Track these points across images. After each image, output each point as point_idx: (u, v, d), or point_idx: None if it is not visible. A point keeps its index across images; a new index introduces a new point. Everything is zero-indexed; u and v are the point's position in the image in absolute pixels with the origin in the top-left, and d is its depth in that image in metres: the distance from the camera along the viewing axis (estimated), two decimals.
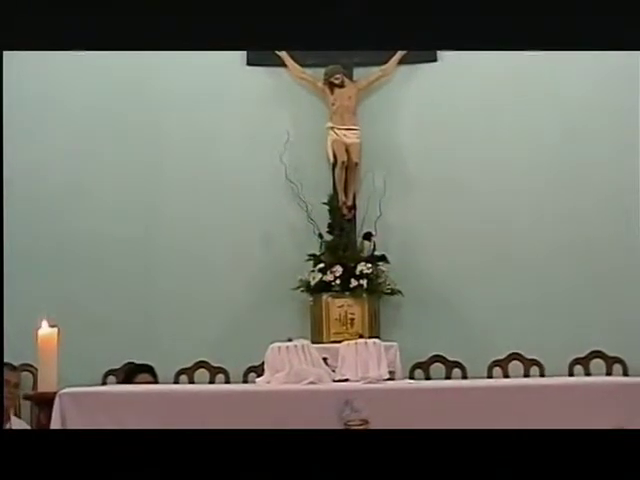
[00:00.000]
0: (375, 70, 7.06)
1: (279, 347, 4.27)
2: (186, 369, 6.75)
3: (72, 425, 3.88)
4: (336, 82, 6.94)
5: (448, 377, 6.68)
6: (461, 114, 7.06)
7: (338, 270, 6.66)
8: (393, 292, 6.78)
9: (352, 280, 6.64)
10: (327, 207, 6.89)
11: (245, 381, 6.56)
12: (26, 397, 5.21)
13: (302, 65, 7.06)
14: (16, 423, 5.80)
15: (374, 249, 6.84)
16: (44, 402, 4.10)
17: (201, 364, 6.77)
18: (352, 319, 6.61)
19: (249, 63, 7.13)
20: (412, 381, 5.43)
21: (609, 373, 6.63)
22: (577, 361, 6.68)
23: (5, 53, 4.44)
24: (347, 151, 6.89)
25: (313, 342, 5.22)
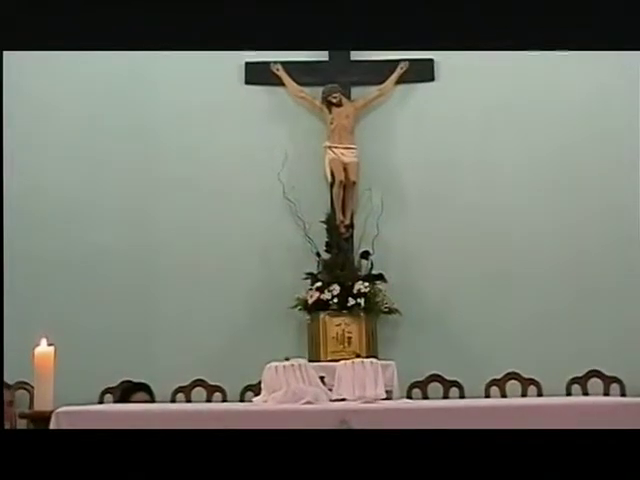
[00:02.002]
0: (373, 89, 7.09)
1: (276, 366, 4.26)
2: (183, 387, 6.73)
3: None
4: (334, 101, 6.96)
5: (445, 396, 6.67)
6: (458, 133, 7.08)
7: (335, 289, 6.66)
8: (391, 311, 6.77)
9: (349, 299, 6.63)
10: (325, 225, 6.89)
11: (242, 400, 6.53)
12: (22, 415, 5.15)
13: (300, 84, 7.09)
14: None
15: (372, 268, 6.84)
16: (40, 420, 4.08)
17: (198, 382, 6.75)
18: (349, 338, 6.60)
19: (247, 82, 7.15)
20: (409, 400, 5.41)
21: (607, 393, 6.61)
22: (575, 381, 6.66)
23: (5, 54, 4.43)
24: (345, 170, 6.91)
25: (310, 361, 5.23)
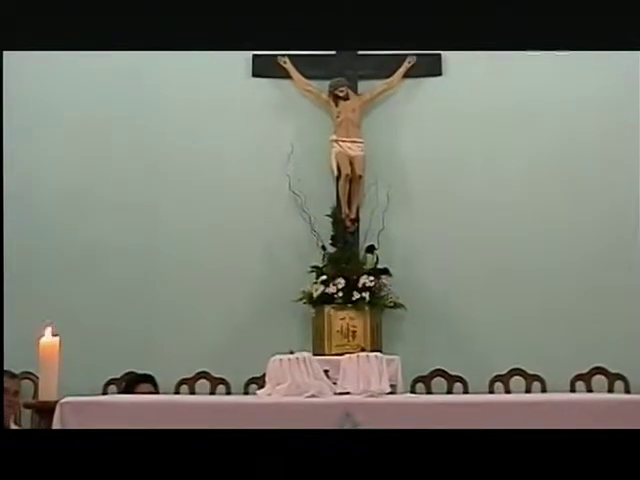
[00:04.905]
0: (380, 83, 7.07)
1: (280, 359, 4.26)
2: (187, 379, 6.74)
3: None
4: (341, 95, 6.95)
5: (449, 392, 6.67)
6: (465, 128, 7.06)
7: (340, 282, 6.66)
8: (395, 305, 6.77)
9: (354, 293, 6.63)
10: (330, 219, 6.89)
11: (246, 392, 6.54)
12: (27, 405, 5.20)
13: (307, 77, 7.08)
14: None
15: (377, 262, 6.83)
16: (45, 411, 4.10)
17: (202, 375, 6.76)
18: (354, 332, 6.60)
19: (254, 74, 7.15)
20: (413, 395, 5.42)
21: (611, 390, 6.62)
22: (579, 377, 6.67)
23: (5, 54, 4.43)
24: (351, 164, 6.90)
25: (315, 354, 5.22)
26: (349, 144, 6.91)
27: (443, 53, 7.08)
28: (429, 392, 6.65)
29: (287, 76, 7.09)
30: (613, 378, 6.68)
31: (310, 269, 6.81)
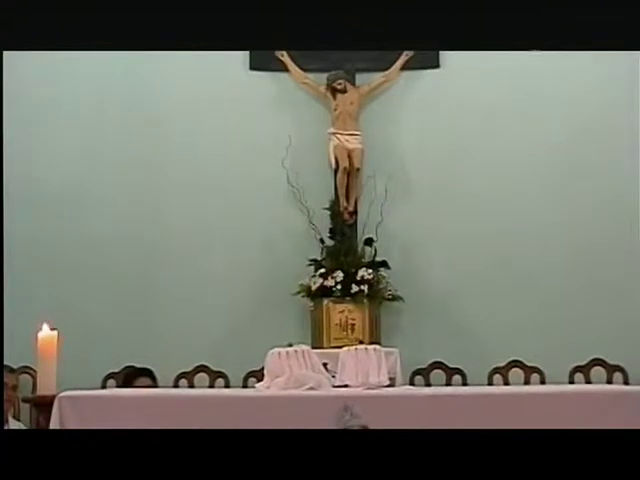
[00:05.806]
0: (378, 76, 7.06)
1: (279, 352, 4.27)
2: (186, 373, 6.74)
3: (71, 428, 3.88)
4: (338, 87, 6.94)
5: (448, 384, 6.67)
6: (463, 120, 7.05)
7: (339, 275, 6.66)
8: (394, 298, 6.77)
9: (353, 285, 6.63)
10: (328, 212, 6.88)
11: (245, 386, 6.54)
12: (25, 400, 5.20)
13: (305, 70, 7.06)
14: (15, 426, 5.79)
15: (375, 255, 6.83)
16: (43, 405, 4.11)
17: (201, 368, 6.76)
18: (353, 325, 6.61)
19: (252, 68, 7.13)
20: (412, 387, 5.43)
21: (609, 381, 6.62)
22: (578, 369, 6.67)
23: (5, 53, 4.43)
24: (349, 156, 6.89)
25: (313, 347, 5.23)
26: (347, 137, 6.90)
27: None
28: (428, 384, 6.66)
29: (285, 69, 7.07)
30: (612, 370, 6.69)
31: (308, 262, 6.80)
